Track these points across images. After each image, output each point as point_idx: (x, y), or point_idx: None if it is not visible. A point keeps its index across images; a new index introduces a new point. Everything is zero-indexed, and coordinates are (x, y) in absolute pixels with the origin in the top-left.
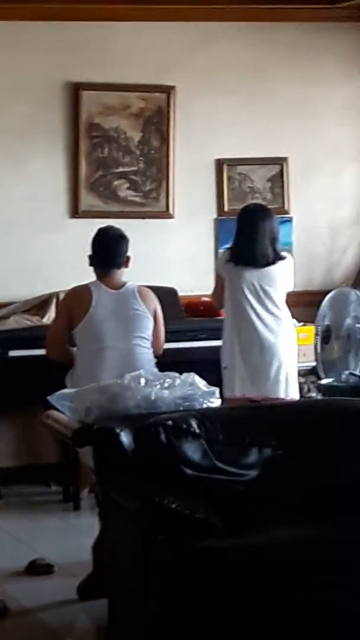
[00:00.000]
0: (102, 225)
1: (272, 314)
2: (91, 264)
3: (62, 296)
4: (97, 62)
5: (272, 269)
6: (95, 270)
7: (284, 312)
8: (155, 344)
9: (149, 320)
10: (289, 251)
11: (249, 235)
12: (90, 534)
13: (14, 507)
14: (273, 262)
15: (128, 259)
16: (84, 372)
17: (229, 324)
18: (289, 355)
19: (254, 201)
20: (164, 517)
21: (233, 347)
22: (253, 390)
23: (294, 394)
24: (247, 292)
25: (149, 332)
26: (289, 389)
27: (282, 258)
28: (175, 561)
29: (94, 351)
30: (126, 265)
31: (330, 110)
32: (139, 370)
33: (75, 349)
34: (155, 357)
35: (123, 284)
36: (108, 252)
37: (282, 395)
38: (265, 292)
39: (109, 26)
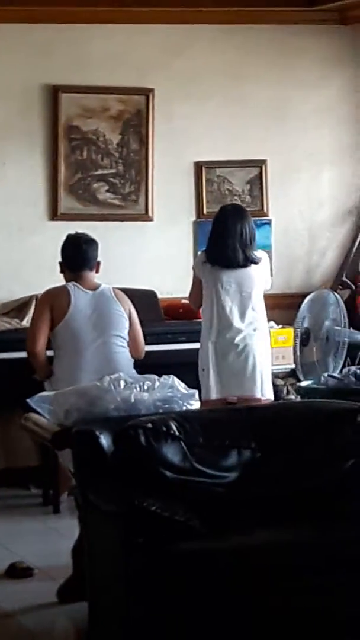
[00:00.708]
0: (71, 232)
1: (248, 314)
2: (62, 271)
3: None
4: (76, 65)
5: (250, 270)
6: (67, 275)
7: (260, 313)
8: (134, 346)
9: (125, 320)
10: (268, 253)
11: (221, 237)
12: (70, 537)
13: None
14: (245, 265)
15: (99, 263)
16: (62, 373)
17: (207, 325)
18: (264, 356)
19: (227, 201)
20: (143, 520)
21: (209, 348)
22: (229, 391)
23: (269, 394)
24: (223, 293)
25: (125, 331)
26: (264, 389)
27: (255, 262)
28: (154, 563)
29: (72, 351)
30: (97, 270)
31: (309, 112)
32: (117, 369)
33: (50, 352)
34: (137, 360)
35: (98, 285)
36: (79, 254)
37: (257, 395)
38: (242, 293)
39: (88, 29)
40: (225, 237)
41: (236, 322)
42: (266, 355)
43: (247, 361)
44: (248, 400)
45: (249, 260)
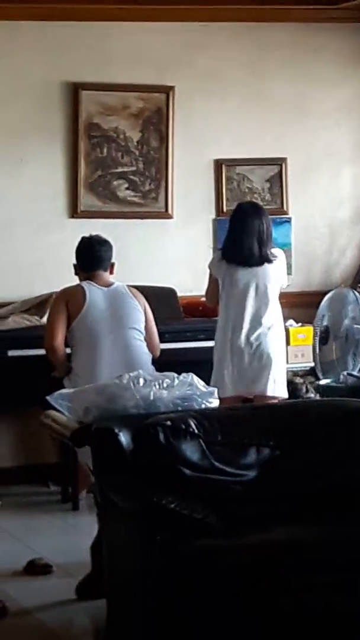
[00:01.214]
0: (85, 235)
1: (263, 312)
2: (76, 273)
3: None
4: (97, 62)
5: (266, 268)
6: (81, 276)
7: (276, 311)
8: (150, 343)
9: (140, 314)
10: (287, 252)
11: (238, 235)
12: (88, 534)
13: (12, 507)
14: (261, 263)
15: (113, 265)
16: (80, 368)
17: (222, 323)
18: (278, 354)
19: (247, 199)
20: (162, 517)
21: (224, 346)
22: (243, 389)
23: (282, 393)
24: (239, 291)
25: (142, 325)
26: (278, 388)
27: (271, 260)
28: (173, 561)
29: (89, 345)
30: (111, 271)
31: (329, 110)
32: (134, 362)
33: (69, 350)
34: (153, 358)
35: (112, 283)
36: (92, 255)
37: (271, 393)
38: (257, 291)
39: (109, 26)
40: (242, 235)
41: (251, 320)
42: (281, 353)
43: (262, 359)
44: (261, 399)
45: (266, 258)
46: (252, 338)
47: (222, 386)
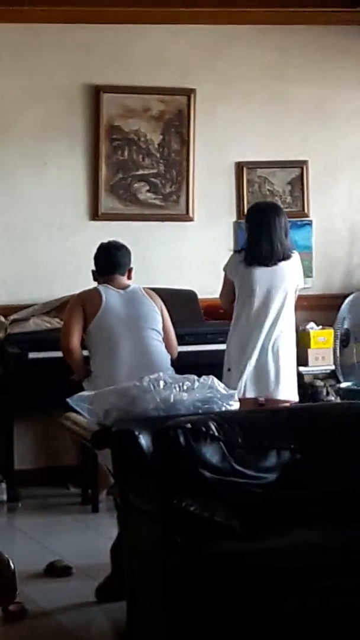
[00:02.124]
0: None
1: (277, 315)
2: (95, 279)
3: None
4: (118, 65)
5: (283, 267)
6: (99, 281)
7: (289, 314)
8: (168, 344)
9: (158, 315)
10: (308, 255)
11: (255, 234)
12: (108, 536)
13: (33, 509)
14: (278, 261)
15: (130, 270)
16: (100, 370)
17: (235, 324)
18: (290, 357)
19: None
20: (182, 520)
21: (237, 348)
22: (255, 391)
23: (293, 396)
24: (255, 293)
25: (159, 325)
26: (288, 391)
27: (288, 257)
28: (193, 563)
29: (108, 347)
30: (129, 276)
31: (350, 113)
32: (153, 363)
33: (86, 352)
34: (171, 359)
35: (128, 285)
36: (109, 259)
37: (281, 397)
38: (273, 294)
39: (130, 29)
40: (259, 234)
41: (265, 322)
42: (292, 356)
43: (273, 362)
44: (275, 402)
45: (284, 256)
46: (265, 341)
47: (238, 388)
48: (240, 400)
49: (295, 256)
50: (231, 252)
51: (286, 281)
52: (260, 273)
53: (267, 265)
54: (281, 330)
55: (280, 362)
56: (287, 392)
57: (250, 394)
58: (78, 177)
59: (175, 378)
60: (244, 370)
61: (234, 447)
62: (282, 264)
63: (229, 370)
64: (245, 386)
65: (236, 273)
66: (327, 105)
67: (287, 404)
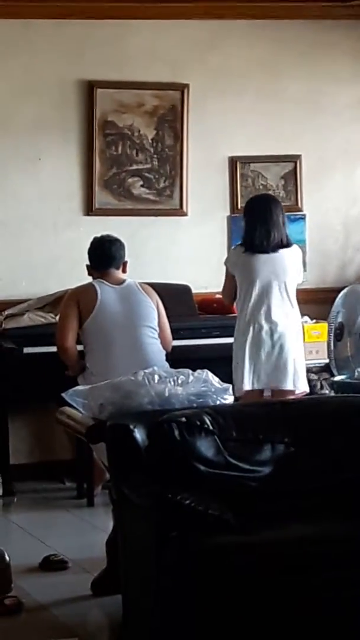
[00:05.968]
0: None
1: (282, 306)
2: (89, 273)
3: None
4: (112, 60)
5: (284, 255)
6: (94, 276)
7: (294, 305)
8: (163, 338)
9: (153, 311)
10: (302, 248)
11: (252, 223)
12: (104, 530)
13: (28, 504)
14: (278, 248)
15: (125, 263)
16: (95, 367)
17: (241, 317)
18: (298, 347)
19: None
20: (177, 513)
21: (244, 341)
22: (264, 383)
23: (303, 387)
24: (258, 285)
25: (155, 322)
26: (298, 381)
27: (288, 245)
28: (188, 557)
29: (103, 344)
30: (124, 270)
31: (343, 107)
32: (148, 359)
33: (81, 347)
34: (166, 354)
35: (123, 280)
36: (103, 253)
37: (291, 387)
38: (276, 284)
39: (124, 24)
40: (256, 223)
41: (271, 314)
42: (300, 347)
43: (282, 353)
44: (283, 393)
45: (283, 243)
46: (272, 332)
47: (242, 381)
48: (247, 392)
49: (296, 248)
50: (226, 247)
51: (288, 274)
52: (261, 260)
53: (266, 252)
54: (285, 320)
55: (287, 353)
56: (296, 382)
57: (258, 386)
58: (72, 172)
59: (170, 372)
60: (251, 362)
61: (228, 440)
62: (283, 251)
63: (237, 363)
64: (253, 378)
65: (236, 265)
66: (321, 99)
67: (299, 394)
